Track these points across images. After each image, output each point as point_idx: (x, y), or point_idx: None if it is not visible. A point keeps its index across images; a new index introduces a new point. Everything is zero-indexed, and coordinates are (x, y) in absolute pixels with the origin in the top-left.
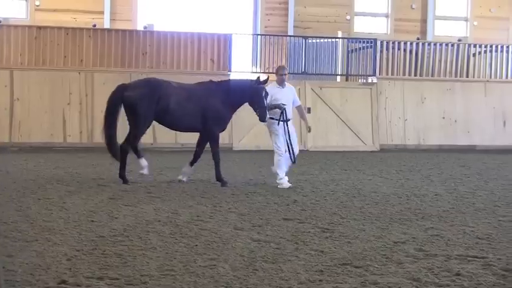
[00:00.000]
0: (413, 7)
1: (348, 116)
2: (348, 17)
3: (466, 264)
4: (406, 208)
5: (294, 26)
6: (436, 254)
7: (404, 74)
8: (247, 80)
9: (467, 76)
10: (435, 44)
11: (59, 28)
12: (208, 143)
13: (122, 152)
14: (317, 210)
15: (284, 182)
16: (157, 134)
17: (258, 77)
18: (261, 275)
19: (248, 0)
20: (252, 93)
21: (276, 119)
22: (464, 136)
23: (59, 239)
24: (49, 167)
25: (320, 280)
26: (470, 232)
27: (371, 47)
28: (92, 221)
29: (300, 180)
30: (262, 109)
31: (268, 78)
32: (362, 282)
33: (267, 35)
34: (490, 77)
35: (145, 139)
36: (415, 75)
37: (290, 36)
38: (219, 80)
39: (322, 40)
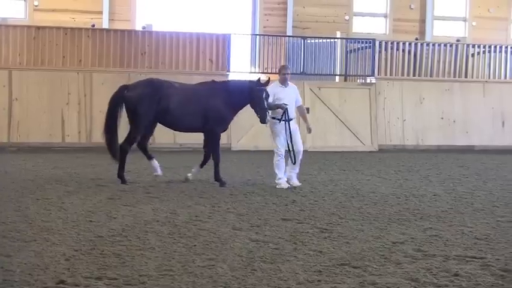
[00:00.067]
0: (411, 7)
1: (347, 116)
2: (347, 17)
3: (465, 264)
4: (405, 208)
5: (292, 26)
6: (434, 255)
7: (403, 75)
8: (248, 81)
9: (465, 76)
10: (434, 45)
11: (58, 28)
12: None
13: (121, 151)
14: (316, 210)
15: (282, 182)
16: (156, 134)
17: (259, 79)
18: (259, 275)
19: (247, 0)
20: (252, 95)
21: (278, 119)
22: (462, 136)
23: (58, 239)
24: (48, 167)
25: (318, 280)
26: (468, 232)
27: (370, 47)
28: (91, 221)
29: (299, 181)
30: (262, 111)
31: (269, 79)
32: (360, 282)
33: (266, 35)
34: (489, 77)
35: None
36: (414, 75)
37: (289, 36)
38: (221, 80)
39: (320, 40)
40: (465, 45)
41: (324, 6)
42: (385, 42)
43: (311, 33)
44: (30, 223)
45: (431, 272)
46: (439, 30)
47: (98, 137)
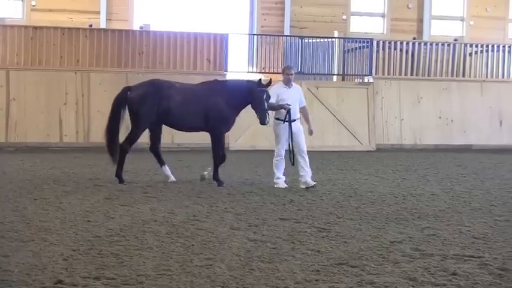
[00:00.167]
0: (409, 7)
1: (344, 115)
2: (344, 17)
3: (463, 263)
4: (403, 208)
5: (290, 26)
6: (432, 254)
7: (400, 74)
8: (250, 81)
9: (463, 76)
10: (431, 44)
11: (55, 28)
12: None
13: (121, 151)
14: (313, 210)
15: (280, 182)
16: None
17: (260, 79)
18: (257, 275)
19: (244, 0)
20: (253, 96)
21: (281, 120)
22: (460, 136)
23: (55, 239)
24: (45, 167)
25: (316, 280)
26: (466, 232)
27: (367, 46)
28: (88, 221)
29: (296, 180)
30: (262, 112)
31: (270, 80)
32: (358, 281)
33: (264, 34)
34: (486, 76)
35: (142, 139)
36: (412, 75)
37: (286, 36)
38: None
39: (318, 40)
40: (463, 44)
41: (322, 5)
42: (383, 42)
43: (309, 33)
44: (28, 223)
45: (429, 271)
46: (437, 30)
47: (96, 137)
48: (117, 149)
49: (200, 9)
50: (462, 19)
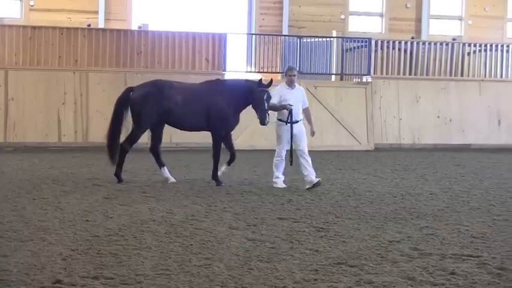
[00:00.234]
0: (407, 6)
1: (343, 115)
2: (343, 17)
3: (461, 263)
4: (401, 207)
5: (288, 26)
6: (431, 253)
7: (399, 73)
8: (250, 80)
9: (462, 75)
10: (430, 43)
11: (54, 28)
12: (232, 138)
13: (121, 151)
14: (312, 209)
15: (279, 182)
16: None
17: (261, 79)
18: (256, 274)
19: (243, 0)
20: (254, 96)
21: (284, 121)
22: (459, 135)
23: (54, 238)
24: (44, 167)
25: (315, 279)
26: (465, 231)
27: (366, 46)
28: (87, 220)
29: (295, 180)
30: (262, 112)
31: (271, 80)
32: (357, 281)
33: (262, 34)
34: (485, 76)
35: (141, 139)
36: (410, 74)
37: (285, 35)
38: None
39: (316, 39)
40: (461, 44)
41: (320, 5)
42: (381, 41)
43: (307, 33)
44: (26, 223)
45: (428, 271)
46: (435, 29)
47: (94, 136)
48: (117, 150)
49: (198, 9)
50: (460, 18)
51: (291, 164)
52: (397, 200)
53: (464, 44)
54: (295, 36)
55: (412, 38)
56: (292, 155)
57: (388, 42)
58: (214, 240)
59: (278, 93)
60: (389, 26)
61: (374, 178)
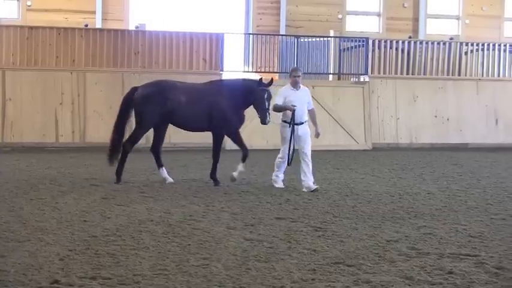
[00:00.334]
0: (405, 6)
1: (340, 114)
2: (340, 16)
3: (459, 262)
4: (399, 207)
5: (286, 25)
6: (428, 253)
7: (396, 73)
8: (250, 80)
9: (459, 74)
10: (427, 43)
11: (51, 28)
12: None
13: (123, 150)
14: (309, 209)
15: (278, 181)
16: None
17: (261, 78)
18: (253, 274)
19: (240, 0)
20: (255, 95)
21: (288, 122)
22: (456, 134)
23: (52, 239)
24: (41, 167)
25: (313, 279)
26: (462, 230)
27: (363, 45)
28: (85, 220)
29: (293, 180)
30: (263, 111)
31: (272, 80)
32: (355, 281)
33: (259, 34)
34: (482, 75)
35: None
36: (407, 73)
37: (282, 35)
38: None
39: (314, 39)
40: (458, 43)
41: (317, 4)
42: (379, 41)
43: (304, 32)
44: (24, 223)
45: (426, 270)
46: (433, 29)
47: (92, 136)
48: (119, 150)
49: (196, 9)
50: (458, 18)
51: (289, 164)
52: (394, 200)
53: (461, 44)
54: (292, 36)
55: (410, 37)
56: (289, 155)
57: (385, 41)
58: (212, 240)
59: (283, 94)
60: (387, 25)
61: (372, 177)
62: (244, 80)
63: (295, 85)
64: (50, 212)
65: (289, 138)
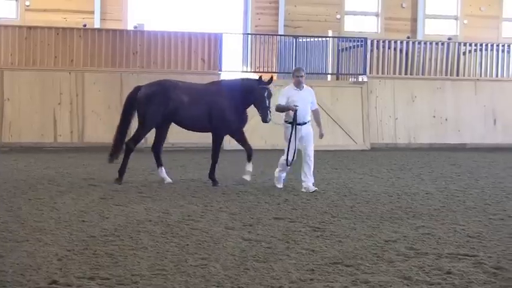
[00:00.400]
0: (403, 6)
1: (339, 114)
2: (338, 16)
3: (457, 262)
4: (397, 207)
5: (284, 25)
6: (427, 253)
7: (394, 73)
8: (249, 79)
9: (457, 75)
10: (425, 43)
11: (49, 28)
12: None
13: (126, 149)
14: (308, 209)
15: (280, 180)
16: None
17: (260, 77)
18: (252, 274)
19: (238, 0)
20: (255, 94)
21: (290, 122)
22: (454, 134)
23: (50, 239)
24: (40, 167)
25: (311, 279)
26: (461, 230)
27: (361, 45)
28: (83, 221)
29: (291, 180)
30: (264, 110)
31: (272, 78)
32: (353, 281)
33: (258, 34)
34: (480, 75)
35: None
36: (406, 74)
37: (280, 35)
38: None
39: (312, 39)
40: (457, 43)
41: (316, 5)
42: (377, 41)
43: (303, 32)
44: (22, 223)
45: (424, 270)
46: (431, 29)
47: (90, 136)
48: (121, 149)
49: (194, 9)
50: (456, 18)
51: (288, 165)
52: (393, 200)
53: (459, 44)
54: (291, 36)
55: (408, 37)
56: (287, 155)
57: (383, 41)
58: (210, 240)
59: (285, 94)
60: (385, 25)
61: (370, 178)
62: (243, 79)
63: (298, 85)
64: (49, 212)
65: (293, 139)
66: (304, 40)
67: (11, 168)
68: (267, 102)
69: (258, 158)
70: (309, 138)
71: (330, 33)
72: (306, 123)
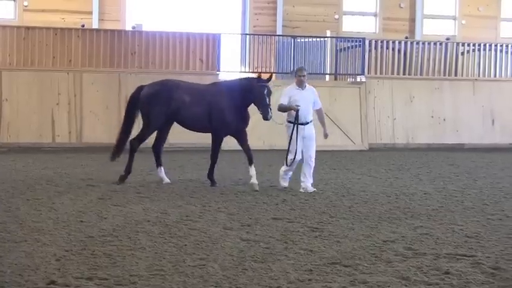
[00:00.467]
0: (401, 6)
1: (337, 115)
2: (337, 16)
3: (455, 262)
4: (395, 207)
5: (282, 26)
6: (425, 253)
7: (393, 73)
8: (247, 78)
9: (455, 75)
10: (424, 43)
11: (48, 28)
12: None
13: (130, 148)
14: (306, 209)
15: (286, 179)
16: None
17: (259, 75)
18: (250, 275)
19: (237, 0)
20: (254, 92)
21: (292, 122)
22: (452, 135)
23: (48, 239)
24: (38, 168)
25: (309, 279)
26: (459, 230)
27: (360, 46)
28: (81, 221)
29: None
30: (264, 107)
31: (271, 76)
32: (351, 281)
33: (256, 34)
34: (479, 75)
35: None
36: (404, 74)
37: (279, 35)
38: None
39: (310, 39)
40: (455, 43)
41: (314, 5)
42: (375, 41)
43: (301, 33)
44: (20, 224)
45: (422, 270)
46: (429, 29)
47: (88, 137)
48: (123, 150)
49: (192, 9)
50: (454, 18)
51: (288, 165)
52: (391, 200)
53: (458, 44)
54: (289, 36)
55: (406, 37)
56: (288, 155)
57: (382, 42)
58: (208, 240)
59: (287, 93)
60: (383, 25)
61: (368, 178)
62: (241, 79)
63: (300, 84)
64: (47, 212)
65: (294, 138)
66: (302, 40)
67: (9, 168)
68: (267, 99)
69: (256, 159)
70: (311, 138)
71: (328, 34)
72: (308, 122)
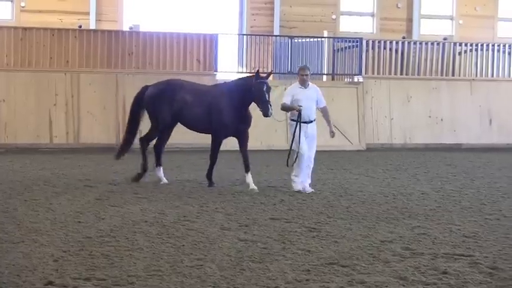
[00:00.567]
0: (398, 6)
1: (334, 115)
2: (334, 17)
3: (453, 262)
4: (393, 207)
5: (279, 26)
6: (422, 253)
7: (390, 73)
8: (245, 77)
9: (453, 75)
10: (421, 43)
11: (45, 29)
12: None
13: (140, 146)
14: (304, 209)
15: (297, 182)
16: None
17: (258, 71)
18: (248, 275)
19: (234, 0)
20: (253, 89)
21: (295, 121)
22: (450, 135)
23: (46, 240)
24: (35, 168)
25: (307, 279)
26: (456, 230)
27: (357, 46)
28: (79, 222)
29: (287, 180)
30: (264, 104)
31: (271, 72)
32: (349, 281)
33: (253, 35)
34: (476, 75)
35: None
36: (401, 74)
37: (276, 36)
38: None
39: (308, 40)
40: (452, 43)
41: (311, 5)
42: (372, 41)
43: (298, 33)
44: (18, 224)
45: (420, 270)
46: (426, 29)
47: (86, 137)
48: (127, 149)
49: (190, 10)
50: (451, 18)
51: (288, 165)
52: (388, 200)
53: (455, 44)
54: (286, 36)
55: (403, 37)
56: (290, 157)
57: (379, 42)
58: (206, 240)
59: (290, 93)
60: (381, 25)
61: (366, 178)
62: (239, 79)
63: (303, 83)
64: (44, 213)
65: (298, 137)
66: (299, 40)
67: (7, 169)
68: (267, 96)
69: (254, 159)
70: (313, 139)
71: (326, 34)
72: (311, 121)
